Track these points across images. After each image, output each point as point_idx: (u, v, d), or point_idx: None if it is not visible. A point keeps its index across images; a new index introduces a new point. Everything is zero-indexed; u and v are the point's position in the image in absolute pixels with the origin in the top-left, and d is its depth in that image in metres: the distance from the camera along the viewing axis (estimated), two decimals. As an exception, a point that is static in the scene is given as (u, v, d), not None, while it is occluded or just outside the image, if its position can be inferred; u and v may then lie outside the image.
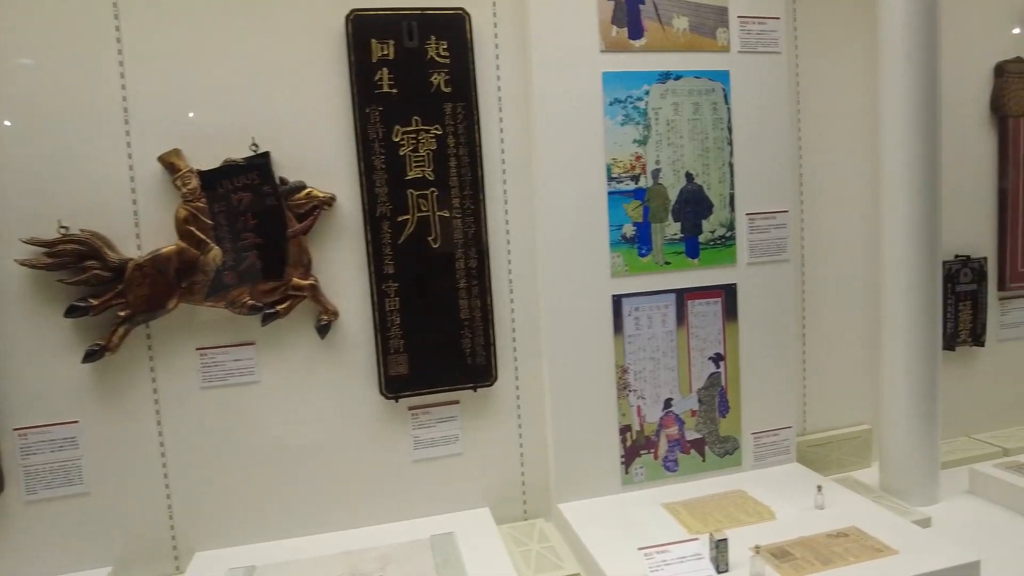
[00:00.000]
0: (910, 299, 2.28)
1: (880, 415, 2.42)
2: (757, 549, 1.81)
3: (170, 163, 2.02)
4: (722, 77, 2.36)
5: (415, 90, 2.15)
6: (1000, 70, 2.74)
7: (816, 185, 2.62)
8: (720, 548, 1.83)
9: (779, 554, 1.90)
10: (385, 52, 2.13)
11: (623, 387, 2.35)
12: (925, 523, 2.20)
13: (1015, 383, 2.91)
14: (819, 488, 2.18)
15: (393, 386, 2.21)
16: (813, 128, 2.60)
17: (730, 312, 2.43)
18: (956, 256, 2.76)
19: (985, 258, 2.78)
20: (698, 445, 2.44)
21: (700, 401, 2.43)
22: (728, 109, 2.37)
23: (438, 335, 2.23)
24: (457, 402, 2.30)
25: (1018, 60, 2.74)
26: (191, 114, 2.05)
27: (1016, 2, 2.78)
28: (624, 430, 2.36)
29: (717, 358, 2.43)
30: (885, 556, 1.86)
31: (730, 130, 2.38)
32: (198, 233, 2.04)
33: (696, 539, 1.87)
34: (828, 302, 2.67)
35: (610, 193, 2.29)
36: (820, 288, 2.66)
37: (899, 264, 2.29)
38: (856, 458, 2.66)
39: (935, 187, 2.25)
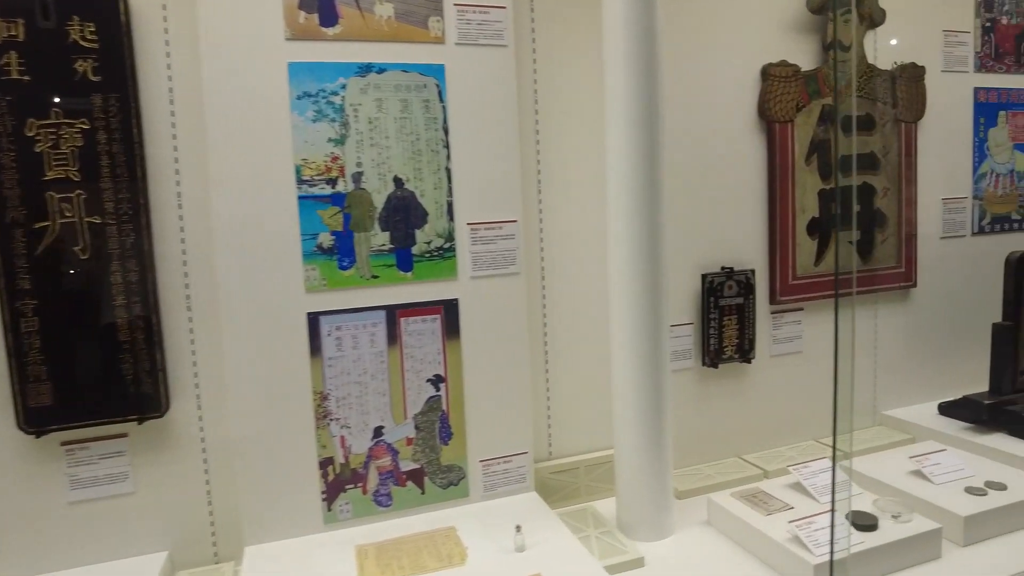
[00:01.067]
0: (632, 317, 2.09)
1: (614, 442, 2.24)
2: (391, 609, 1.60)
3: None
4: (436, 72, 2.13)
5: (54, 78, 1.86)
6: (765, 73, 2.59)
7: (557, 192, 2.41)
8: (351, 609, 1.61)
9: (433, 610, 1.69)
10: (13, 32, 1.82)
11: (323, 416, 2.11)
12: (637, 563, 2.02)
13: (787, 400, 2.78)
14: (518, 528, 1.98)
15: (35, 419, 1.91)
16: (553, 130, 2.39)
17: (451, 330, 2.21)
18: (722, 268, 2.61)
19: (752, 270, 2.63)
20: (416, 476, 2.21)
21: (417, 428, 2.21)
22: (443, 107, 2.15)
23: (91, 360, 1.94)
24: (124, 435, 2.02)
25: (783, 64, 2.60)
26: None
27: (784, 3, 2.63)
28: (325, 463, 2.12)
29: (437, 380, 2.21)
30: (545, 611, 1.68)
31: (446, 131, 2.15)
32: None
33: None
34: (572, 317, 2.47)
35: (301, 198, 2.04)
36: (563, 302, 2.46)
37: (621, 280, 2.10)
38: (606, 485, 2.47)
39: (656, 194, 2.06)
